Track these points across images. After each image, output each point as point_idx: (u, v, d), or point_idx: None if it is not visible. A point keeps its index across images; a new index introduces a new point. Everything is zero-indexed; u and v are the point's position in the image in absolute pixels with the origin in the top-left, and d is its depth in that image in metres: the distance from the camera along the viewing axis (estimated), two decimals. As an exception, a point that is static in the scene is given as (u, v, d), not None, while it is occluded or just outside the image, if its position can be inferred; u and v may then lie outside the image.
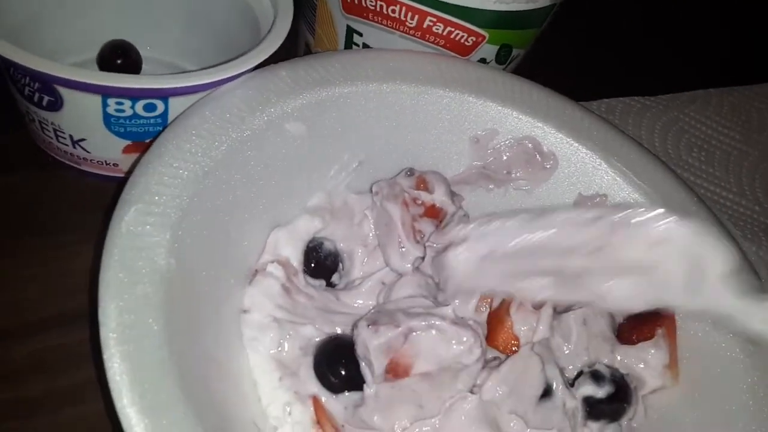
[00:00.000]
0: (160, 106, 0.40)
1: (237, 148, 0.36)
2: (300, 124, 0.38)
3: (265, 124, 0.37)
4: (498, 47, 0.47)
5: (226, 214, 0.35)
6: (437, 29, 0.45)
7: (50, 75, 0.37)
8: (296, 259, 0.39)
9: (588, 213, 0.34)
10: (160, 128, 0.42)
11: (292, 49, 0.52)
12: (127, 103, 0.39)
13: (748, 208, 0.63)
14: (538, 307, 0.38)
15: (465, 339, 0.35)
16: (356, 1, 0.46)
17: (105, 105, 0.39)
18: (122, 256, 0.30)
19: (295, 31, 0.45)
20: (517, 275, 0.35)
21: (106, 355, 0.27)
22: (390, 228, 0.40)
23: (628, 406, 0.38)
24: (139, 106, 0.40)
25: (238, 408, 0.33)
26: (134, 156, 0.43)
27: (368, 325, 0.35)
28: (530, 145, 0.44)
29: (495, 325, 0.39)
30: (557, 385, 0.37)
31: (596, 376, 0.38)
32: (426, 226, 0.41)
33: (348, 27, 0.48)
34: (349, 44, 0.49)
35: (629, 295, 0.34)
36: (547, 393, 0.36)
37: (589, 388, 0.38)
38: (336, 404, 0.35)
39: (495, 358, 0.38)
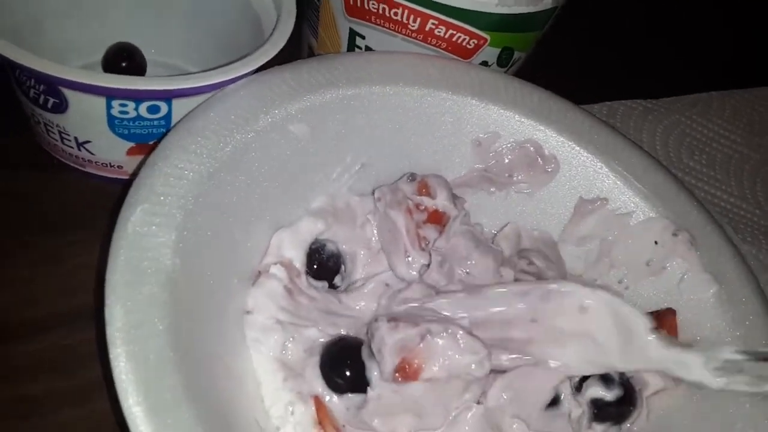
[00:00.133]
0: (164, 108, 0.40)
1: (241, 149, 0.36)
2: (303, 126, 0.39)
3: (269, 126, 0.37)
4: (500, 50, 0.48)
5: (230, 215, 0.35)
6: (439, 32, 0.46)
7: (55, 77, 0.37)
8: (299, 260, 0.39)
9: (516, 287, 0.37)
10: (164, 130, 0.42)
11: (295, 52, 0.52)
12: (131, 104, 0.40)
13: (748, 211, 0.63)
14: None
15: (478, 350, 0.35)
16: (359, 4, 0.46)
17: (109, 107, 0.39)
18: (128, 257, 0.30)
19: (298, 34, 0.45)
20: None
21: (112, 355, 0.27)
22: (394, 235, 0.40)
23: (633, 409, 0.38)
24: (143, 107, 0.40)
25: (242, 408, 0.33)
26: (138, 158, 0.43)
27: (388, 321, 0.35)
28: (532, 148, 0.44)
29: None
30: (565, 396, 0.37)
31: (606, 379, 0.38)
32: (430, 232, 0.41)
33: (351, 30, 0.48)
34: (351, 47, 0.50)
35: (578, 362, 0.36)
36: (554, 402, 0.37)
37: (598, 391, 0.38)
38: (339, 405, 0.36)
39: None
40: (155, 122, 0.41)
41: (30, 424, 0.38)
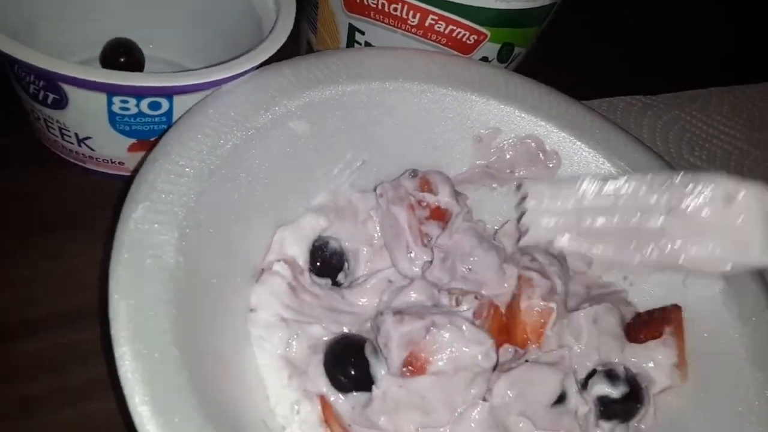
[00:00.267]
0: (165, 105, 0.40)
1: (242, 146, 0.36)
2: (304, 123, 0.39)
3: (269, 123, 0.37)
4: (500, 45, 0.48)
5: (231, 213, 0.35)
6: (439, 27, 0.45)
7: (55, 73, 0.37)
8: (302, 257, 0.39)
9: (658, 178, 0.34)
10: (165, 126, 0.42)
11: (293, 48, 0.52)
12: (132, 101, 0.39)
13: (749, 207, 0.62)
14: (547, 299, 0.38)
15: (484, 341, 0.35)
16: (358, 0, 0.46)
17: (110, 103, 0.39)
18: (131, 255, 0.30)
19: (297, 30, 0.45)
20: None
21: (117, 354, 0.27)
22: (397, 232, 0.40)
23: (641, 406, 0.38)
24: (144, 104, 0.40)
25: (247, 406, 0.33)
26: (139, 154, 0.43)
27: (394, 314, 0.35)
28: (533, 144, 0.44)
29: (510, 322, 0.39)
30: (572, 393, 0.37)
31: (611, 376, 0.38)
32: (432, 228, 0.41)
33: (350, 25, 0.48)
34: (350, 42, 0.50)
35: (710, 257, 0.33)
36: (560, 400, 0.37)
37: (604, 388, 0.38)
38: (344, 404, 0.36)
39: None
40: (156, 119, 0.41)
41: (30, 424, 0.38)
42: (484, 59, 0.48)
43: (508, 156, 0.44)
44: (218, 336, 0.33)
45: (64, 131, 0.42)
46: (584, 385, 0.38)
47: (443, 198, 0.41)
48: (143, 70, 0.50)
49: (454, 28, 0.45)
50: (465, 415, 0.35)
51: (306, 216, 0.40)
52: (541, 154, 0.44)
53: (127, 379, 0.27)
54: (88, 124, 0.41)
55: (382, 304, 0.39)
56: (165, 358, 0.28)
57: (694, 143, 0.67)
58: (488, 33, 0.46)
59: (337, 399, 0.35)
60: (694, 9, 0.83)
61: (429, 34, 0.46)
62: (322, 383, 0.35)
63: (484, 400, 0.35)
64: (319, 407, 0.35)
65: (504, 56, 0.49)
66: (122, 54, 0.48)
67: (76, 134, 0.42)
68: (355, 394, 0.35)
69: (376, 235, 0.42)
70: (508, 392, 0.36)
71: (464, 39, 0.46)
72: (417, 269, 0.40)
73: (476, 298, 0.38)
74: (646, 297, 0.42)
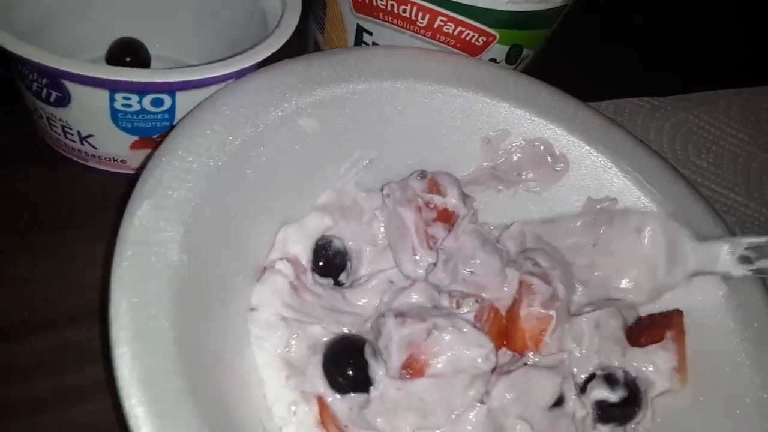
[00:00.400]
0: (168, 101, 0.40)
1: (250, 143, 0.35)
2: (313, 120, 0.38)
3: (278, 120, 0.37)
4: (508, 47, 0.47)
5: (237, 210, 0.35)
6: (448, 29, 0.45)
7: (57, 69, 0.37)
8: (305, 256, 0.39)
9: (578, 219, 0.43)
10: (168, 123, 0.41)
11: (301, 48, 0.52)
12: (135, 97, 0.39)
13: (755, 210, 0.62)
14: (547, 306, 0.38)
15: (485, 344, 0.35)
16: (367, 1, 0.46)
17: (112, 100, 0.39)
18: (135, 252, 0.29)
19: (305, 30, 0.45)
20: None
21: (116, 353, 0.27)
22: (402, 233, 0.40)
23: (639, 410, 0.38)
24: (147, 100, 0.40)
25: (246, 406, 0.33)
26: (142, 152, 0.43)
27: (396, 316, 0.35)
28: (542, 147, 0.43)
29: (509, 327, 0.39)
30: (570, 396, 0.36)
31: (610, 380, 0.38)
32: (438, 231, 0.40)
33: (358, 26, 0.48)
34: (358, 43, 0.49)
35: (633, 287, 0.41)
36: (558, 403, 0.36)
37: (602, 392, 0.38)
38: (341, 405, 0.35)
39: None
40: (159, 116, 0.41)
41: (31, 424, 0.37)
42: (493, 61, 0.48)
43: (515, 158, 0.44)
44: (219, 335, 0.33)
45: (66, 129, 0.42)
46: (583, 388, 0.38)
47: (451, 200, 0.40)
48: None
49: (463, 29, 0.45)
50: (462, 417, 0.34)
51: (311, 215, 0.39)
52: (549, 158, 0.44)
53: (125, 379, 0.26)
54: (91, 121, 0.41)
55: (383, 305, 0.39)
56: (164, 358, 0.27)
57: (702, 146, 0.66)
58: (497, 35, 0.46)
59: (335, 400, 0.35)
60: (704, 10, 0.83)
61: (437, 35, 0.46)
62: (320, 384, 0.35)
63: (482, 402, 0.35)
64: (317, 408, 0.35)
65: (512, 58, 0.48)
66: (128, 53, 0.48)
67: (78, 132, 0.42)
68: (352, 395, 0.35)
69: (380, 235, 0.42)
70: (507, 395, 0.35)
71: (473, 41, 0.46)
72: (421, 271, 0.39)
73: (477, 301, 0.38)
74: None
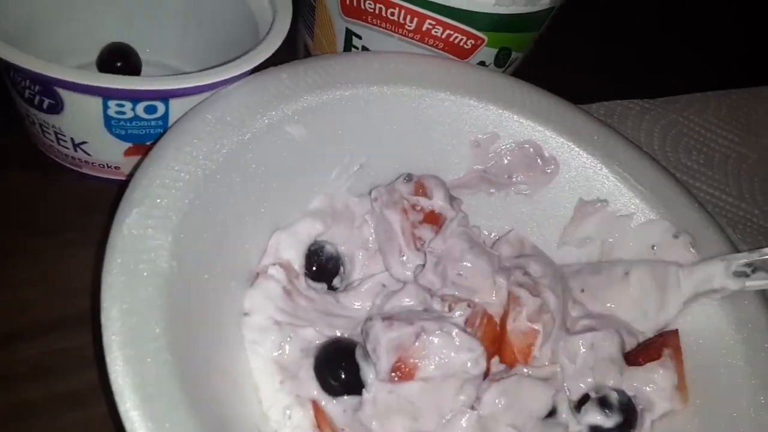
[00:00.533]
0: (161, 108, 0.40)
1: (238, 150, 0.36)
2: (301, 127, 0.38)
3: (265, 127, 0.37)
4: (497, 50, 0.47)
5: (227, 217, 0.35)
6: (436, 32, 0.45)
7: (51, 77, 0.37)
8: (297, 262, 0.39)
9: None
10: (161, 130, 0.41)
11: (290, 51, 0.52)
12: (128, 105, 0.39)
13: (747, 211, 0.63)
14: (534, 319, 0.38)
15: (474, 348, 0.35)
16: (355, 4, 0.46)
17: (106, 107, 0.39)
18: (124, 259, 0.30)
19: (294, 33, 0.45)
20: None
21: (109, 359, 0.27)
22: (390, 235, 0.40)
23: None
24: (140, 108, 0.40)
25: (240, 411, 0.33)
26: (136, 158, 0.43)
27: (383, 319, 0.35)
28: (531, 149, 0.44)
29: (501, 338, 0.39)
30: (563, 408, 0.36)
31: (604, 404, 0.37)
32: (425, 232, 0.40)
33: (347, 29, 0.48)
34: (348, 47, 0.49)
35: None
36: (551, 414, 0.36)
37: (596, 417, 0.37)
38: (335, 408, 0.35)
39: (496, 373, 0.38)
40: (152, 122, 0.41)
41: (28, 425, 0.37)
42: (482, 64, 0.48)
43: (505, 161, 0.44)
44: (212, 341, 0.33)
45: (59, 136, 0.42)
46: (577, 407, 0.38)
47: (437, 202, 0.41)
48: (140, 74, 0.50)
49: (452, 32, 0.45)
50: (453, 422, 0.34)
51: (303, 220, 0.40)
52: (539, 160, 0.44)
53: (119, 384, 0.27)
54: (84, 128, 0.41)
55: (375, 308, 0.39)
56: (157, 362, 0.28)
57: (692, 147, 0.67)
58: (485, 38, 0.46)
59: (329, 403, 0.35)
60: (704, 10, 0.83)
61: (426, 38, 0.46)
62: (313, 387, 0.35)
63: (473, 408, 0.35)
64: (312, 412, 0.35)
65: (501, 61, 0.49)
66: (119, 58, 0.48)
67: (71, 139, 0.42)
68: (345, 398, 0.35)
69: (371, 239, 0.42)
70: (498, 401, 0.35)
71: (461, 44, 0.46)
72: (409, 273, 0.40)
73: (469, 306, 0.38)
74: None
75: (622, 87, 0.68)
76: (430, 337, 0.34)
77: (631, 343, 0.40)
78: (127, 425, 0.26)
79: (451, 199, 0.42)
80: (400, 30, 0.46)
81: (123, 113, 0.40)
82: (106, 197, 0.40)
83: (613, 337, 0.39)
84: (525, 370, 0.37)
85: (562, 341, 0.39)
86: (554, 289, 0.39)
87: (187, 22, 0.51)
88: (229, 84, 0.39)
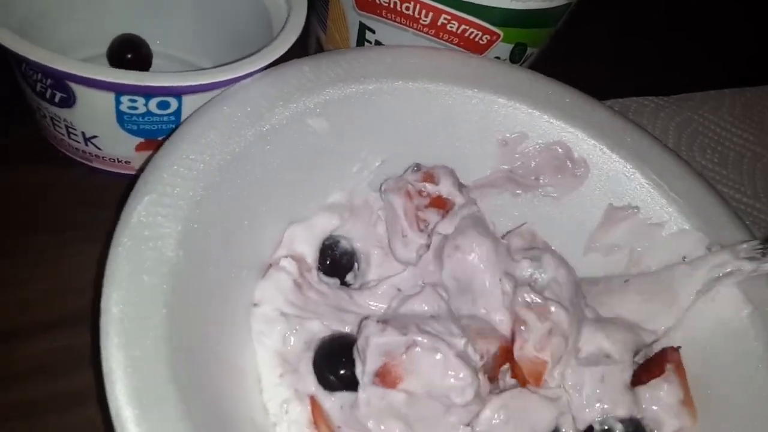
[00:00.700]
0: (174, 104, 0.40)
1: (256, 142, 0.35)
2: (323, 120, 0.38)
3: (286, 119, 0.36)
4: (512, 46, 0.47)
5: (241, 208, 0.35)
6: (451, 27, 0.45)
7: (63, 71, 0.36)
8: (311, 255, 0.39)
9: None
10: (174, 126, 0.41)
11: (303, 45, 0.51)
12: (141, 100, 0.39)
13: (762, 211, 0.62)
14: (542, 347, 0.36)
15: (462, 375, 0.33)
16: (369, -2, 0.46)
17: (118, 102, 0.39)
18: (131, 246, 0.29)
19: (307, 26, 0.45)
20: None
21: (103, 344, 0.27)
22: (393, 218, 0.40)
23: None
24: (153, 103, 0.39)
25: (238, 403, 0.33)
26: (147, 153, 0.43)
27: (378, 321, 0.34)
28: (561, 150, 0.42)
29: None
30: (566, 429, 0.36)
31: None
32: (431, 215, 0.40)
33: (360, 24, 0.48)
34: (361, 41, 0.49)
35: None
36: None
37: None
38: (333, 404, 0.35)
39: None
40: (165, 118, 0.41)
41: (29, 424, 0.37)
42: (497, 59, 0.47)
43: (533, 162, 0.43)
44: (217, 331, 0.33)
45: (70, 130, 0.42)
46: None
47: (445, 188, 0.40)
48: (151, 66, 0.49)
49: (467, 27, 0.45)
50: None
51: (319, 214, 0.39)
52: (568, 162, 0.42)
53: (111, 370, 0.26)
54: (96, 123, 0.41)
55: (390, 310, 0.38)
56: (152, 351, 0.27)
57: (707, 146, 0.66)
58: (501, 33, 0.45)
59: (326, 399, 0.35)
60: (712, 8, 0.83)
61: (441, 33, 0.45)
62: (311, 381, 0.35)
63: (469, 425, 0.34)
64: (309, 408, 0.34)
65: (516, 56, 0.48)
66: (130, 50, 0.48)
67: (83, 133, 0.42)
68: (341, 393, 0.35)
69: (385, 236, 0.41)
70: (497, 416, 0.34)
71: (477, 39, 0.45)
72: (412, 254, 0.39)
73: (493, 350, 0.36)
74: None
75: (629, 84, 0.67)
76: (421, 354, 0.33)
77: (641, 345, 0.40)
78: (113, 410, 0.26)
79: (461, 186, 0.41)
80: (415, 24, 0.45)
81: (135, 108, 0.39)
82: (116, 192, 0.39)
83: (623, 370, 0.38)
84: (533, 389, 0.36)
85: (569, 369, 0.37)
86: (565, 300, 0.38)
87: (198, 15, 0.51)
88: (248, 78, 0.38)
